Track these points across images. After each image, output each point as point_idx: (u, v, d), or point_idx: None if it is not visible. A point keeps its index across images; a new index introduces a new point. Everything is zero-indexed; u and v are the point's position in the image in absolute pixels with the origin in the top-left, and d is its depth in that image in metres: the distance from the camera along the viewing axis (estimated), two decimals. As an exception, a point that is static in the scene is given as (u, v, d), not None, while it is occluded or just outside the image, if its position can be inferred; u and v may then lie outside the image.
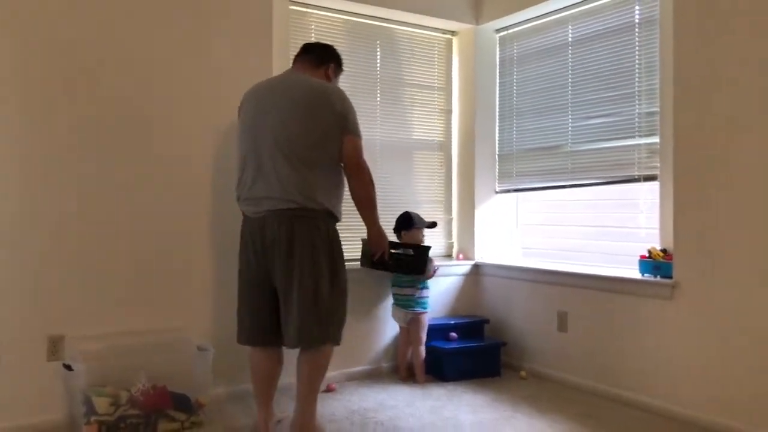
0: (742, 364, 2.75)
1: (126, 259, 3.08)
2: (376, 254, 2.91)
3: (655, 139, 3.22)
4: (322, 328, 2.57)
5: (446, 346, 3.71)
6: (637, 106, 3.35)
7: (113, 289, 3.04)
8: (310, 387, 2.62)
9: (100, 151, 3.01)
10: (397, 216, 3.81)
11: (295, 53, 2.89)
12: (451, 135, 4.25)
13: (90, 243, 2.99)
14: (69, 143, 2.94)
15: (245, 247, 2.70)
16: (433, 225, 3.83)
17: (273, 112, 2.58)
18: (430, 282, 3.77)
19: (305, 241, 2.54)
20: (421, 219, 3.80)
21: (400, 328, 3.76)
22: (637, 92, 3.35)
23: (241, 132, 2.72)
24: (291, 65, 2.90)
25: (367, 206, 2.75)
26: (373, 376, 3.75)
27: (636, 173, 3.36)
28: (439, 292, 4.08)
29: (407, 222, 3.75)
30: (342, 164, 2.66)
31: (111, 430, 2.69)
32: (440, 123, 4.25)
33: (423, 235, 3.80)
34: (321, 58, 2.84)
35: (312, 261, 2.55)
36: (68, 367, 2.75)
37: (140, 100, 3.10)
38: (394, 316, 3.75)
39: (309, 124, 2.56)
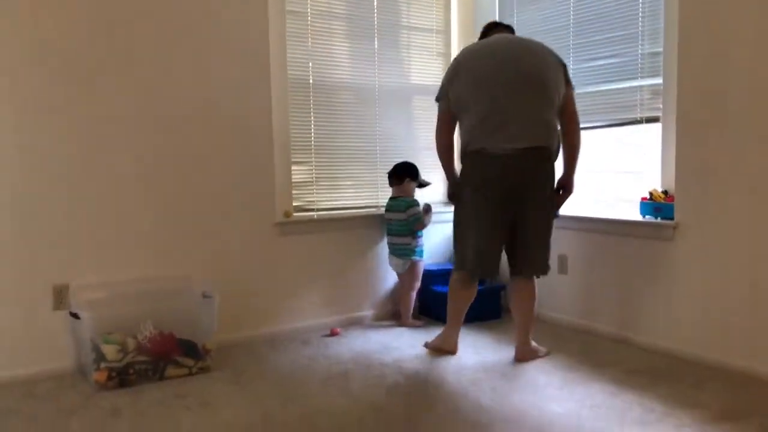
0: (741, 302, 2.80)
1: (129, 207, 3.06)
2: (563, 202, 3.05)
3: (658, 80, 3.19)
4: (548, 258, 2.97)
5: (446, 291, 3.73)
6: (640, 46, 3.30)
7: (117, 238, 3.04)
8: (534, 311, 3.06)
9: (102, 95, 2.97)
10: (395, 164, 3.80)
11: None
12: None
13: (93, 190, 2.97)
14: (69, 87, 2.89)
15: (485, 185, 2.86)
16: (426, 184, 3.83)
17: (517, 62, 2.85)
18: (430, 228, 3.79)
19: (545, 177, 2.89)
20: (418, 174, 3.79)
21: (398, 274, 3.79)
22: (640, 32, 3.29)
23: (480, 81, 2.87)
24: (488, 34, 3.16)
25: (578, 152, 2.99)
26: (375, 321, 3.81)
27: (638, 115, 3.33)
28: (441, 238, 4.10)
29: (398, 172, 3.74)
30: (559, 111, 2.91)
31: (120, 377, 2.73)
32: (439, 67, 4.18)
33: (414, 190, 3.79)
34: (511, 30, 3.22)
35: (548, 196, 2.91)
36: (75, 316, 2.77)
37: (158, 45, 3.05)
38: (390, 264, 3.78)
39: (548, 74, 2.85)
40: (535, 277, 2.99)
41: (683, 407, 2.42)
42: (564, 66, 2.96)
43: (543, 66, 2.88)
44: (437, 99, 3.06)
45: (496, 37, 3.05)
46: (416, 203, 3.72)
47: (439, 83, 4.07)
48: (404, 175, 3.74)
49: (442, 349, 3.14)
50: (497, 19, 4.09)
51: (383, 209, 3.81)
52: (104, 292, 2.96)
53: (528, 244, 2.90)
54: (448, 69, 3.04)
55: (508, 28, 3.20)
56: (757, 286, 2.74)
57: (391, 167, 3.79)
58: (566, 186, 3.02)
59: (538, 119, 2.84)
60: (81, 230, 2.95)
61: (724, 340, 2.85)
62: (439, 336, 3.21)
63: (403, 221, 3.68)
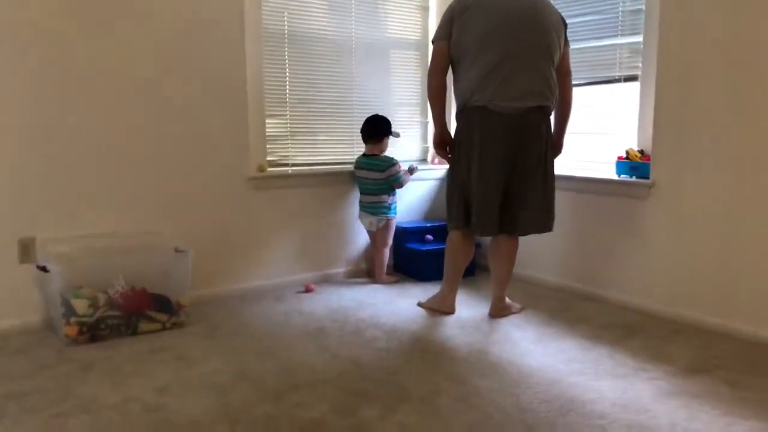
0: (712, 260, 2.85)
1: (99, 160, 2.96)
2: (552, 160, 2.99)
3: (638, 39, 3.17)
4: (552, 215, 2.95)
5: (422, 248, 3.75)
6: (621, 3, 3.27)
7: (87, 192, 2.95)
8: (512, 268, 3.07)
9: (70, 49, 2.84)
10: (367, 120, 3.72)
11: None
12: (428, 34, 4.09)
13: (62, 143, 2.86)
14: (39, 44, 2.74)
15: (487, 143, 2.79)
16: (397, 135, 3.77)
17: (527, 17, 2.77)
18: (404, 186, 3.76)
19: (546, 136, 2.86)
20: (391, 127, 3.73)
21: (369, 232, 3.77)
22: (622, -11, 3.26)
23: (490, 30, 2.76)
24: None
25: (570, 110, 3.02)
26: (349, 278, 3.80)
27: (617, 74, 3.33)
28: (416, 196, 4.08)
29: (375, 129, 3.68)
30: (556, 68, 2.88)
31: (91, 331, 2.68)
32: (417, 21, 4.10)
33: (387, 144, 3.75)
34: None
35: (545, 154, 2.86)
36: (43, 269, 2.69)
37: None
38: (362, 221, 3.74)
39: (552, 31, 2.80)
40: (538, 233, 2.96)
41: (654, 361, 2.48)
42: (566, 24, 2.92)
43: (550, 22, 2.81)
44: (435, 39, 2.91)
45: None
46: (395, 162, 3.67)
47: (418, 37, 4.04)
48: (382, 132, 3.68)
49: (440, 310, 3.11)
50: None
51: (354, 165, 3.73)
52: (73, 246, 2.87)
53: (523, 202, 2.85)
54: (449, 10, 2.87)
55: None
56: (728, 244, 2.79)
57: (364, 123, 3.71)
58: (557, 144, 3.00)
59: (543, 77, 2.79)
60: (48, 183, 2.85)
61: (696, 297, 2.92)
62: (436, 296, 3.19)
63: (380, 180, 3.64)
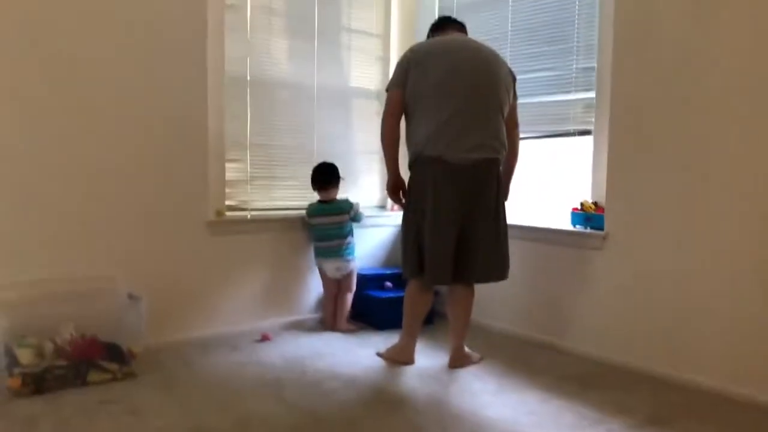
0: (664, 311, 2.92)
1: (49, 201, 2.87)
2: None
3: (591, 95, 3.30)
4: (505, 264, 2.98)
5: (381, 295, 3.73)
6: (575, 61, 3.41)
7: (35, 234, 2.84)
8: (470, 318, 3.10)
9: (23, 82, 2.77)
10: (319, 168, 3.72)
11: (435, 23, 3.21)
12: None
13: (9, 182, 2.76)
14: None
15: (440, 192, 2.82)
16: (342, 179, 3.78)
17: (479, 70, 2.86)
18: (363, 232, 3.76)
19: (496, 186, 2.91)
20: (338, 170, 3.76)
21: (327, 279, 3.72)
22: (575, 47, 3.40)
23: (442, 83, 2.83)
24: (441, 30, 3.11)
25: (516, 161, 3.10)
26: (302, 326, 3.72)
27: (571, 128, 3.44)
28: (374, 242, 4.09)
29: (333, 176, 3.70)
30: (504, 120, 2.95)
31: (37, 383, 2.55)
32: (378, 71, 4.18)
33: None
34: (464, 28, 3.18)
35: (496, 204, 2.92)
36: (-14, 317, 2.56)
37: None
38: (325, 268, 3.69)
39: (502, 85, 2.90)
40: (495, 281, 2.98)
41: (614, 413, 2.50)
42: (515, 79, 3.02)
43: (499, 76, 2.89)
44: (390, 87, 2.96)
45: (455, 38, 3.00)
46: (351, 201, 3.74)
47: (378, 87, 4.11)
48: (337, 178, 3.71)
49: (399, 360, 3.07)
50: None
51: (307, 214, 3.70)
52: (18, 291, 2.75)
53: (476, 250, 2.88)
54: (405, 59, 2.93)
55: (462, 25, 3.16)
56: (679, 295, 2.87)
57: (317, 173, 3.69)
58: (504, 191, 3.04)
59: (494, 130, 2.86)
60: (-5, 225, 2.74)
61: (650, 347, 2.98)
62: (395, 346, 3.15)
63: (343, 223, 3.66)
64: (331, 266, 3.68)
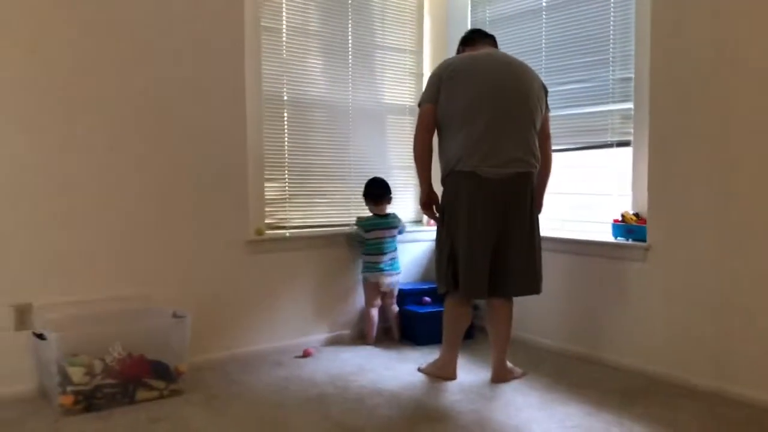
0: (708, 324, 2.87)
1: (96, 223, 2.95)
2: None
3: (629, 105, 3.28)
4: (539, 277, 2.97)
5: (420, 310, 3.73)
6: (611, 72, 3.39)
7: (83, 256, 2.92)
8: (510, 331, 3.07)
9: (69, 104, 2.86)
10: (376, 182, 3.83)
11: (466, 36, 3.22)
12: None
13: (57, 207, 2.85)
14: (41, 98, 2.78)
15: (475, 207, 2.83)
16: None
17: (512, 85, 2.88)
18: (400, 247, 3.89)
19: (530, 200, 2.91)
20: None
21: (374, 293, 3.75)
22: (611, 58, 3.38)
23: (477, 98, 2.85)
24: (472, 43, 3.13)
25: (550, 173, 3.12)
26: (342, 341, 3.76)
27: (609, 139, 3.42)
28: (411, 257, 4.10)
29: (388, 190, 3.82)
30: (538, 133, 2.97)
31: (87, 400, 2.61)
32: (411, 87, 4.21)
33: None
34: (495, 41, 3.20)
35: (530, 218, 2.92)
36: (40, 336, 2.64)
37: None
38: (379, 282, 3.71)
39: (534, 99, 2.91)
40: (529, 295, 2.97)
41: (661, 427, 2.46)
42: (547, 92, 3.02)
43: (531, 89, 2.91)
44: (422, 102, 2.98)
45: (488, 52, 3.02)
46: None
47: (412, 103, 4.14)
48: (390, 193, 3.82)
49: (441, 376, 3.07)
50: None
51: (363, 228, 3.74)
52: (69, 312, 2.84)
53: (512, 264, 2.88)
54: (437, 74, 2.95)
55: (492, 38, 3.18)
56: (724, 307, 2.81)
57: (376, 186, 3.78)
58: (537, 204, 3.03)
59: (527, 145, 2.86)
60: (44, 248, 2.82)
61: (694, 361, 2.92)
62: (437, 361, 3.15)
63: (394, 237, 3.78)
64: (386, 279, 3.72)
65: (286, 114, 3.62)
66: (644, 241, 3.10)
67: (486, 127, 2.82)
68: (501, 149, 2.82)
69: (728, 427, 2.48)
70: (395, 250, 3.78)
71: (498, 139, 2.82)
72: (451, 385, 2.98)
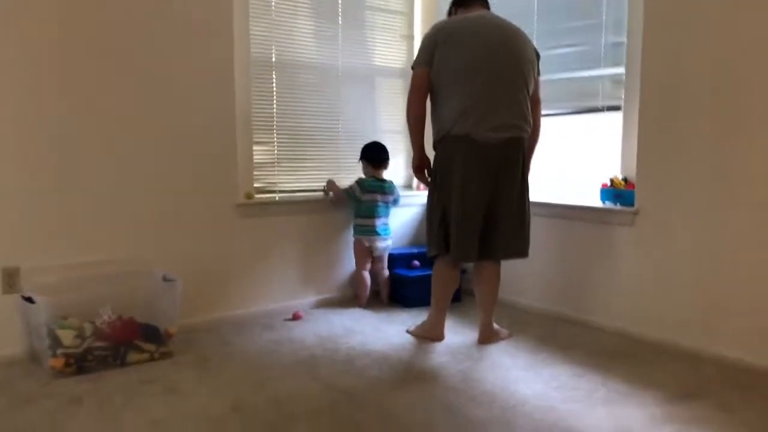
0: (695, 287, 2.91)
1: (84, 187, 2.92)
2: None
3: (621, 70, 3.26)
4: (527, 241, 2.99)
5: (410, 274, 3.76)
6: (603, 36, 3.36)
7: (72, 220, 2.90)
8: (497, 294, 3.12)
9: (53, 77, 2.80)
10: (363, 145, 3.82)
11: None
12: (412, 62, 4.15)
13: (45, 170, 2.82)
14: (27, 67, 2.72)
15: (468, 171, 2.83)
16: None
17: (506, 49, 2.85)
18: (393, 212, 3.90)
19: (522, 164, 2.92)
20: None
21: (363, 256, 3.77)
22: (604, 23, 3.35)
23: (472, 61, 2.82)
24: (464, 5, 3.07)
25: (539, 138, 3.10)
26: (331, 304, 3.78)
27: (600, 104, 3.41)
28: (401, 222, 4.11)
29: (388, 155, 3.82)
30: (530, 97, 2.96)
31: (78, 363, 2.62)
32: (402, 49, 4.16)
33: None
34: (487, 4, 3.14)
35: (521, 182, 2.93)
36: (29, 300, 2.63)
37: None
38: (374, 245, 3.73)
39: (528, 63, 2.89)
40: (516, 258, 3.00)
41: (645, 387, 2.51)
42: (539, 56, 3.01)
43: (525, 54, 2.89)
44: (416, 65, 2.93)
45: (481, 15, 2.97)
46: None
47: (403, 65, 4.09)
48: (389, 158, 3.81)
49: (429, 337, 3.12)
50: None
51: (361, 187, 3.71)
52: (58, 275, 2.83)
53: (502, 228, 2.90)
54: (430, 37, 2.90)
55: (484, 0, 3.11)
56: (709, 270, 2.85)
57: (375, 150, 3.78)
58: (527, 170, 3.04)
59: (521, 109, 2.86)
60: (32, 211, 2.80)
61: (681, 322, 2.97)
62: (425, 323, 3.19)
63: (389, 202, 3.79)
64: (380, 244, 3.74)
65: (274, 77, 3.58)
66: (632, 205, 3.12)
67: (481, 91, 2.80)
68: (495, 114, 2.81)
69: (709, 384, 2.55)
70: (388, 216, 3.79)
71: (492, 104, 2.81)
72: (439, 347, 3.02)
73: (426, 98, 2.97)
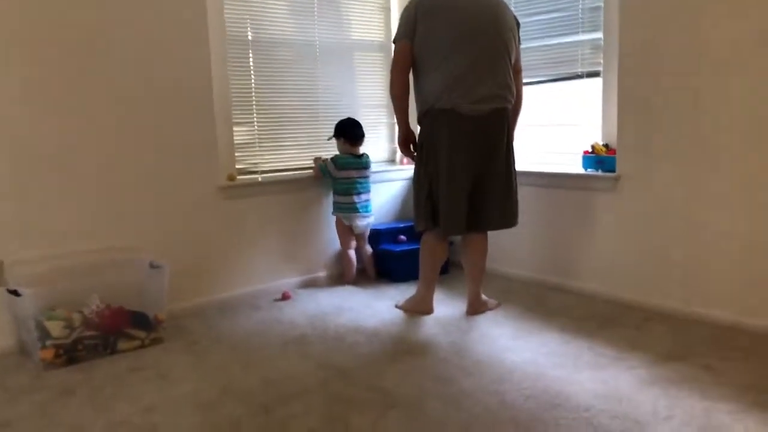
0: (677, 251, 2.95)
1: (64, 176, 2.89)
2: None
3: (599, 35, 3.25)
4: (515, 211, 3.01)
5: (396, 249, 3.77)
6: (581, 1, 3.34)
7: (54, 210, 2.87)
8: (485, 265, 3.14)
9: (33, 60, 2.75)
10: (337, 123, 3.76)
11: None
12: (390, 35, 4.10)
13: (25, 160, 2.78)
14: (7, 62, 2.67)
15: (454, 144, 2.81)
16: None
17: (488, 20, 2.82)
18: (374, 187, 3.88)
19: (507, 135, 2.92)
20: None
21: (348, 234, 3.76)
22: (580, -14, 3.33)
23: (456, 34, 2.79)
24: None
25: (521, 107, 3.09)
26: (319, 283, 3.79)
27: (579, 70, 3.40)
28: (385, 197, 4.11)
29: (363, 130, 3.76)
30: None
31: (68, 353, 2.62)
32: (380, 22, 4.11)
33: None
34: None
35: (506, 152, 2.92)
36: (14, 293, 2.61)
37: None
38: (355, 223, 3.71)
39: (509, 33, 2.87)
40: (505, 228, 3.01)
41: (631, 350, 2.56)
42: (519, 24, 2.98)
43: (506, 23, 2.86)
44: (397, 39, 2.90)
45: None
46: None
47: (381, 38, 4.05)
48: (364, 133, 3.77)
49: (419, 311, 3.14)
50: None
51: (336, 165, 3.67)
52: (43, 266, 2.81)
53: (490, 200, 2.91)
54: (411, 9, 2.86)
55: None
56: (691, 233, 2.89)
57: (350, 126, 3.72)
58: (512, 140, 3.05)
59: (504, 80, 2.85)
60: (13, 203, 2.76)
61: (665, 285, 3.01)
62: (414, 297, 3.21)
63: (368, 178, 3.76)
64: (360, 222, 3.72)
65: (251, 55, 3.53)
66: (614, 171, 3.14)
67: (465, 63, 2.79)
68: (479, 85, 2.80)
69: (694, 345, 2.59)
70: (369, 192, 3.77)
71: (476, 76, 2.79)
72: (428, 320, 3.05)
73: (409, 72, 2.94)
